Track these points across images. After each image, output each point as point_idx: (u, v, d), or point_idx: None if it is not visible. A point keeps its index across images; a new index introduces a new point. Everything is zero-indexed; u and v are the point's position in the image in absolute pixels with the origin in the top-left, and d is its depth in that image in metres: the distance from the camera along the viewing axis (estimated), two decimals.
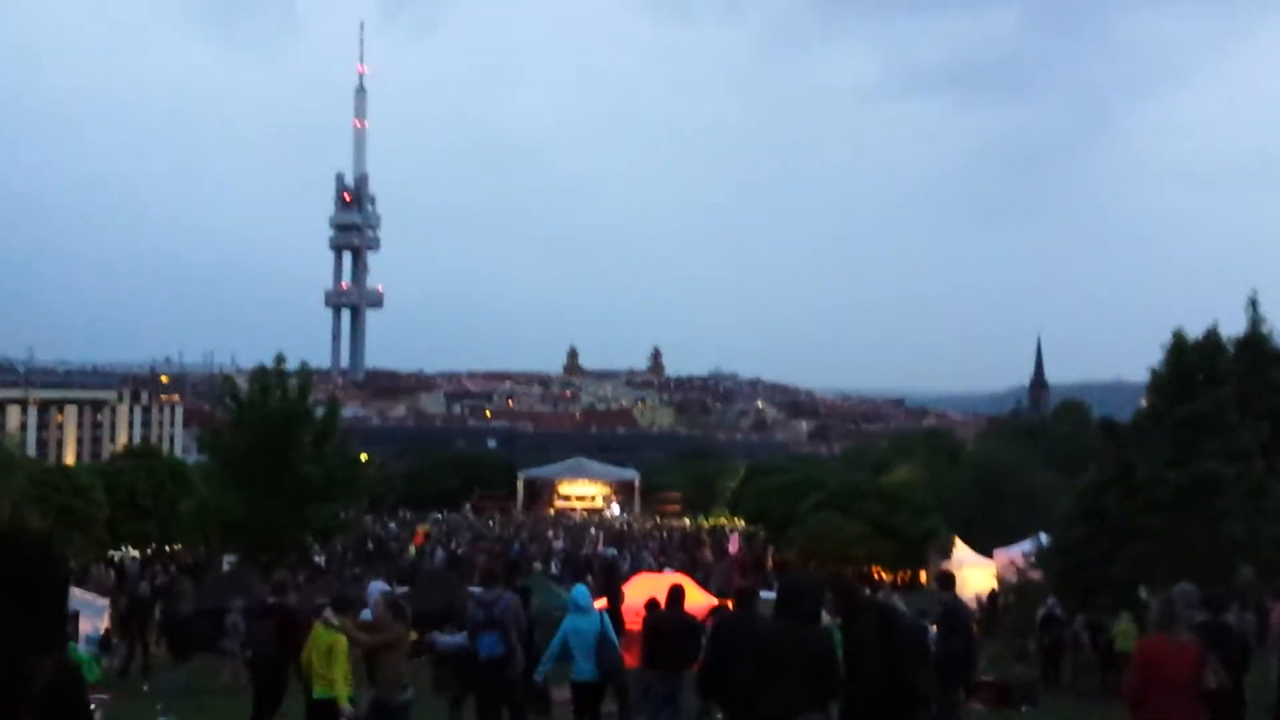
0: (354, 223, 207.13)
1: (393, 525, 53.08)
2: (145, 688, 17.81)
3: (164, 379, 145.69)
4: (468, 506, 67.22)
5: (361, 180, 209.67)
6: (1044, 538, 25.15)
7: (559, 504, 72.41)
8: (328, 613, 9.41)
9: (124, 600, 24.25)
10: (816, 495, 36.89)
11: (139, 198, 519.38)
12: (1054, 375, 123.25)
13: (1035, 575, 24.97)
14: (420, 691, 10.46)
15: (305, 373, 31.56)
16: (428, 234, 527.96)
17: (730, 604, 13.18)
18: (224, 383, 37.69)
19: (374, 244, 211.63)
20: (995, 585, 28.78)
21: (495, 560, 23.85)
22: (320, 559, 35.67)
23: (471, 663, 10.88)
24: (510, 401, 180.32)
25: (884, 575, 33.89)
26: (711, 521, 59.75)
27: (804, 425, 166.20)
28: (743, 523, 52.82)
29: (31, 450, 71.34)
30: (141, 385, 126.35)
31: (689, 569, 28.84)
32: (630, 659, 11.93)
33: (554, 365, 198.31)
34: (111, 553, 36.32)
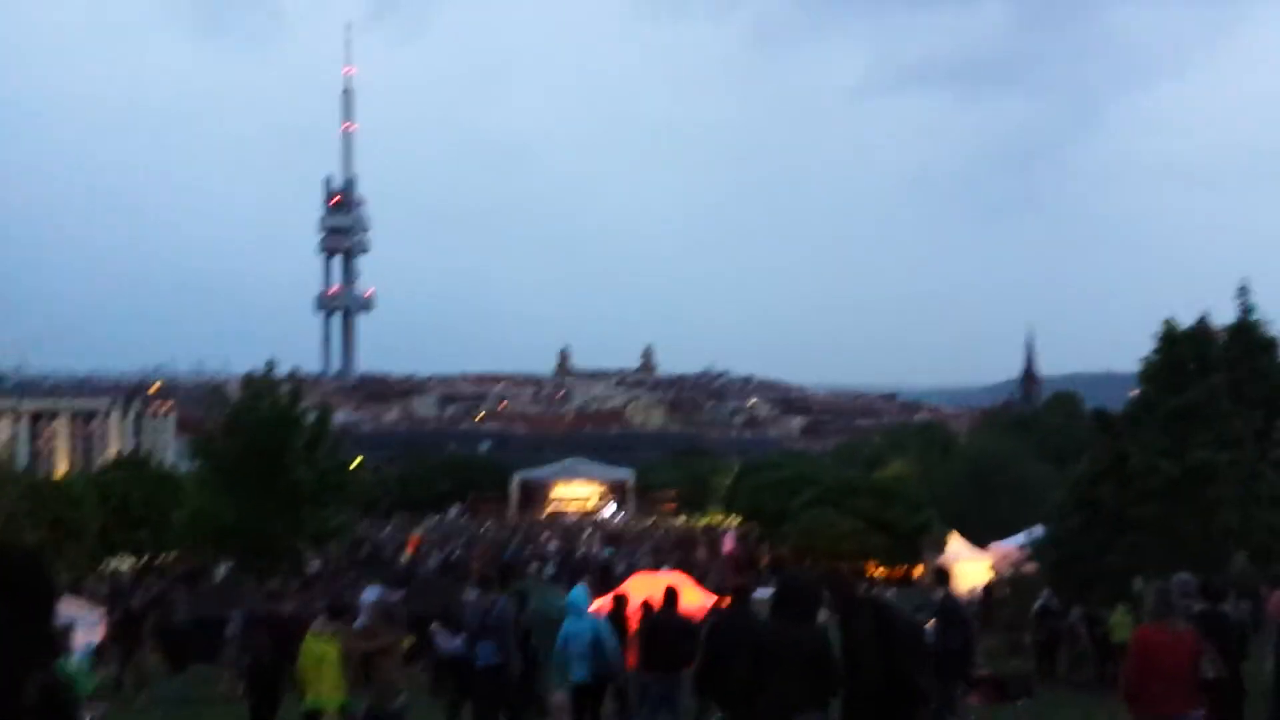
0: (343, 226, 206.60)
1: (387, 529, 53.02)
2: (141, 698, 17.75)
3: (155, 387, 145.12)
4: (459, 508, 67.03)
5: (350, 183, 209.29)
6: (1039, 530, 25.19)
7: (553, 505, 72.32)
8: (318, 621, 9.38)
9: (118, 611, 24.14)
10: (810, 491, 36.95)
11: (125, 203, 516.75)
12: (1045, 367, 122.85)
13: (1030, 568, 25.01)
14: (418, 695, 10.44)
15: (296, 379, 31.64)
16: (419, 236, 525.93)
17: (726, 601, 13.16)
18: (213, 393, 37.73)
19: (364, 247, 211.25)
20: (990, 578, 28.80)
21: (490, 564, 23.83)
22: (315, 565, 35.57)
23: (469, 669, 10.87)
24: (503, 404, 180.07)
25: (878, 570, 33.93)
26: (706, 520, 59.72)
27: (796, 421, 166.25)
28: (737, 520, 52.80)
29: (23, 462, 71.10)
30: (133, 394, 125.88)
31: (685, 567, 28.82)
32: (628, 660, 11.91)
33: (546, 367, 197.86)
34: (108, 560, 36.20)
